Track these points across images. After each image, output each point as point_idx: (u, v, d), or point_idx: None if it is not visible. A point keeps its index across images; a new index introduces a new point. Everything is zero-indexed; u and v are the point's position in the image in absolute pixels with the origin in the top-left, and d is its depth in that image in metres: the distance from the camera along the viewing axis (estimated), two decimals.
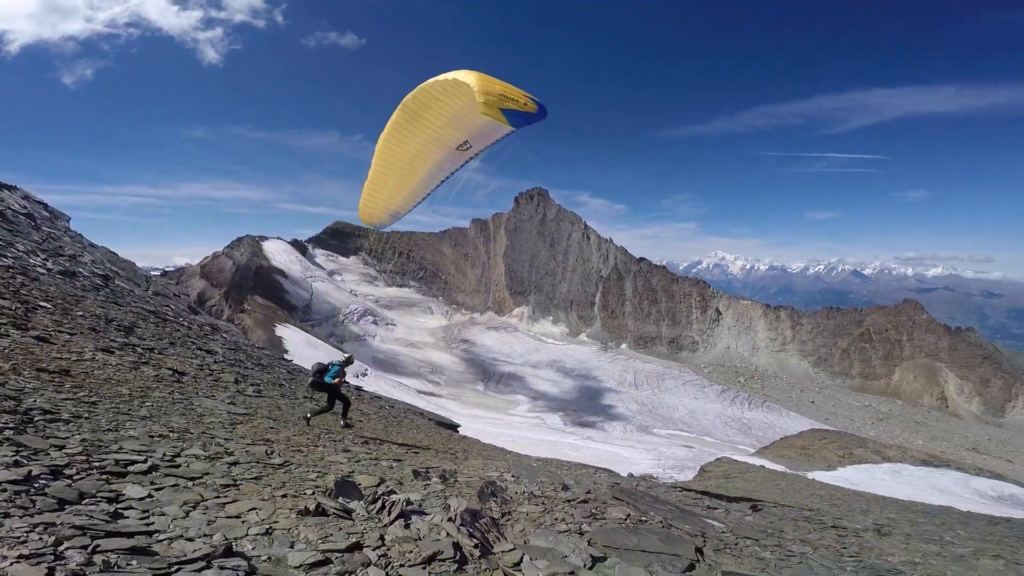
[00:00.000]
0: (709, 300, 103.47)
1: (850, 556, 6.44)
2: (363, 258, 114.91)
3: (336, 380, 9.61)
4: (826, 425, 62.08)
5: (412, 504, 4.54)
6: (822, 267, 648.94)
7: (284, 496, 4.47)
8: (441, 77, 7.44)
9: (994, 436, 72.84)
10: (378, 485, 5.42)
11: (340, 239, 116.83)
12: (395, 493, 4.73)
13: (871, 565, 5.99)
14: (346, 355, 10.46)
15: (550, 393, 71.12)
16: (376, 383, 48.70)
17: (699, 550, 5.13)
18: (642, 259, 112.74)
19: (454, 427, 18.97)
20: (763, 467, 24.80)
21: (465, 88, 7.08)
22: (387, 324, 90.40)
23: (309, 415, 9.42)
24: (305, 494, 4.64)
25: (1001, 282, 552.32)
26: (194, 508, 3.76)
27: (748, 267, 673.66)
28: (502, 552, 3.96)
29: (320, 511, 3.98)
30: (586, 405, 67.48)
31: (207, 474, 4.61)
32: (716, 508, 8.95)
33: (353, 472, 6.21)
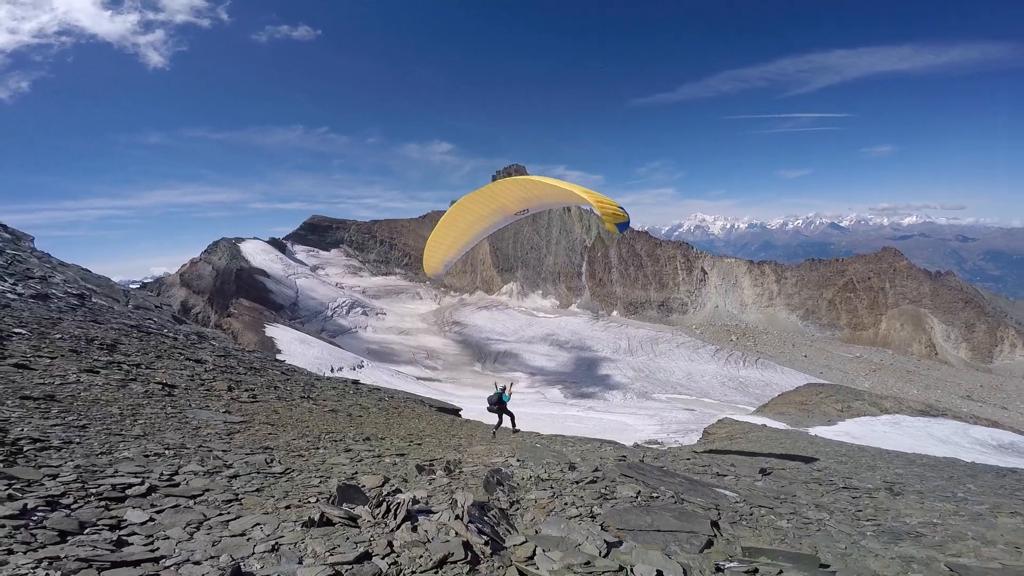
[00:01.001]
0: (693, 261, 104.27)
1: (867, 520, 6.44)
2: (344, 250, 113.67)
3: (508, 400, 13.30)
4: (821, 379, 63.42)
5: (418, 503, 4.48)
6: (800, 222, 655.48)
7: (287, 507, 4.38)
8: (545, 181, 8.98)
9: (986, 383, 74.94)
10: (382, 485, 5.34)
11: (319, 233, 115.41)
12: (400, 492, 4.65)
13: (890, 528, 5.98)
14: (508, 383, 14.00)
15: (547, 367, 71.69)
16: (374, 374, 48.65)
17: (715, 524, 5.06)
18: None
19: (455, 412, 18.95)
20: (765, 426, 25.18)
21: (579, 199, 8.64)
22: (377, 314, 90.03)
23: (495, 430, 13.46)
24: (309, 502, 4.55)
25: (974, 227, 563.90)
26: (197, 528, 3.68)
27: (728, 226, 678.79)
28: (514, 546, 3.90)
29: (325, 521, 3.91)
30: (584, 376, 68.19)
31: (207, 490, 4.51)
32: (726, 475, 8.94)
33: (356, 473, 6.12)
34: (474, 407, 36.82)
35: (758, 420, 29.17)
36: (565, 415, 33.93)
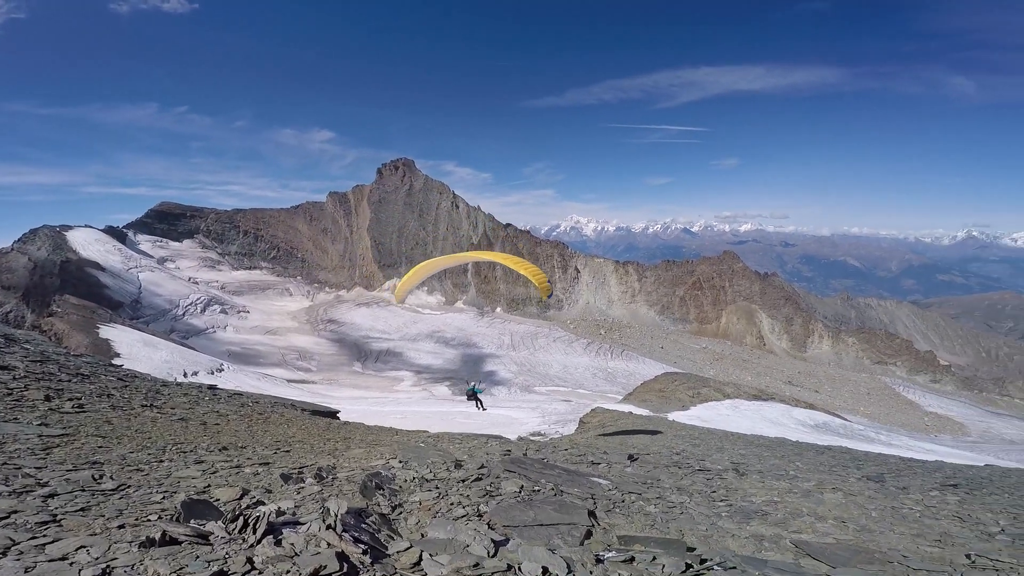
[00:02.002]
0: (568, 260, 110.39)
1: (721, 500, 6.98)
2: (200, 241, 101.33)
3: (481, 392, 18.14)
4: (675, 368, 70.65)
5: (283, 514, 3.98)
6: (659, 226, 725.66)
7: (121, 527, 3.74)
8: (499, 256, 13.43)
9: (802, 369, 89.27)
10: (240, 498, 4.74)
11: (168, 222, 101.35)
12: (262, 504, 4.12)
13: (740, 508, 6.56)
14: (477, 380, 21.64)
15: (433, 365, 70.69)
16: (236, 378, 43.85)
17: (592, 514, 5.21)
18: (508, 225, 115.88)
19: (333, 414, 17.73)
20: (631, 412, 27.24)
21: (522, 271, 11.86)
22: (239, 312, 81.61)
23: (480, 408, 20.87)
24: (149, 520, 3.94)
25: (794, 234, 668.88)
26: (3, 555, 3.04)
27: (599, 228, 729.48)
28: (398, 553, 3.62)
29: (168, 539, 3.31)
30: (470, 372, 68.48)
31: (15, 512, 3.74)
32: (599, 463, 9.36)
33: (209, 487, 5.41)
34: (354, 408, 34.88)
35: (625, 408, 31.53)
36: (454, 412, 33.60)
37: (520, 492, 5.73)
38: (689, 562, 3.96)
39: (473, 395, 19.21)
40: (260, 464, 7.05)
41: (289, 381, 54.81)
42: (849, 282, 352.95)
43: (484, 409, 20.79)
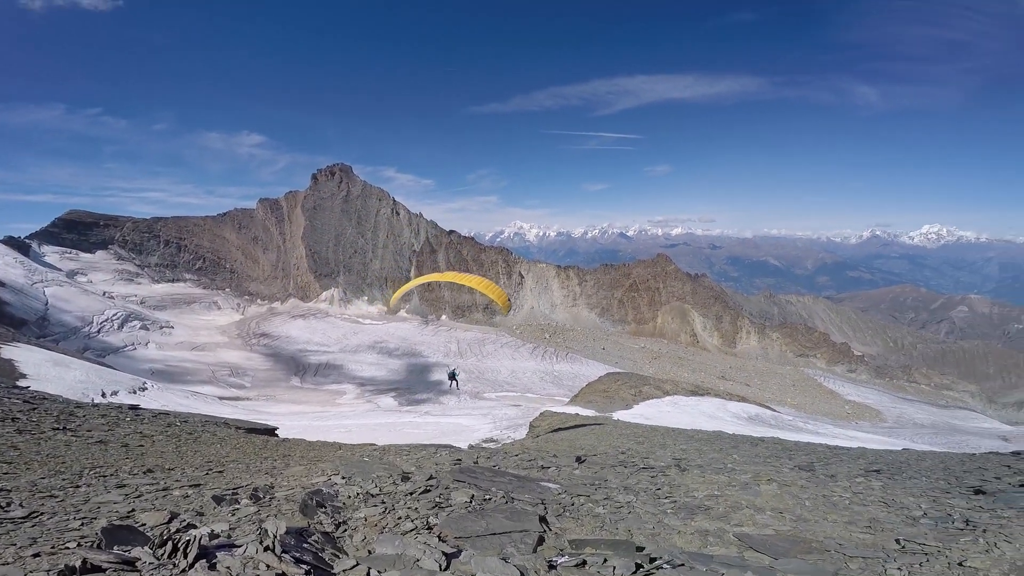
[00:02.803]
0: (513, 266, 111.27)
1: (665, 498, 7.17)
2: (115, 252, 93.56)
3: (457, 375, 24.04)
4: (617, 368, 72.56)
5: (217, 537, 3.73)
6: (597, 231, 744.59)
7: (37, 555, 3.45)
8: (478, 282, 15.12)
9: (733, 364, 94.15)
10: (168, 522, 4.42)
11: (79, 231, 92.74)
12: (193, 528, 3.83)
13: (684, 504, 6.77)
14: (455, 367, 25.81)
15: (377, 376, 68.63)
16: (161, 397, 40.60)
17: (543, 519, 5.24)
18: (452, 231, 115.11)
19: (270, 431, 16.83)
20: (578, 414, 27.76)
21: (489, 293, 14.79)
22: (162, 328, 75.89)
23: (455, 388, 30.51)
24: (67, 548, 3.63)
25: (721, 236, 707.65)
26: None
27: (541, 234, 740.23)
28: (344, 571, 3.46)
29: (90, 568, 3.01)
30: (416, 382, 67.02)
31: None
32: (549, 467, 9.43)
33: (134, 511, 5.04)
34: (294, 424, 33.18)
35: (572, 409, 32.08)
36: (402, 422, 32.77)
37: (471, 502, 5.67)
38: (639, 562, 4.02)
39: (452, 377, 22.94)
40: (190, 486, 6.64)
41: (221, 399, 51.49)
42: (771, 280, 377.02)
43: (460, 389, 22.20)
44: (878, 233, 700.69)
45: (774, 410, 41.89)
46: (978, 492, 7.70)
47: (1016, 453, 13.05)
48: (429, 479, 6.64)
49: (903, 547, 5.15)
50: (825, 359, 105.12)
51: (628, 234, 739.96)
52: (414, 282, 17.74)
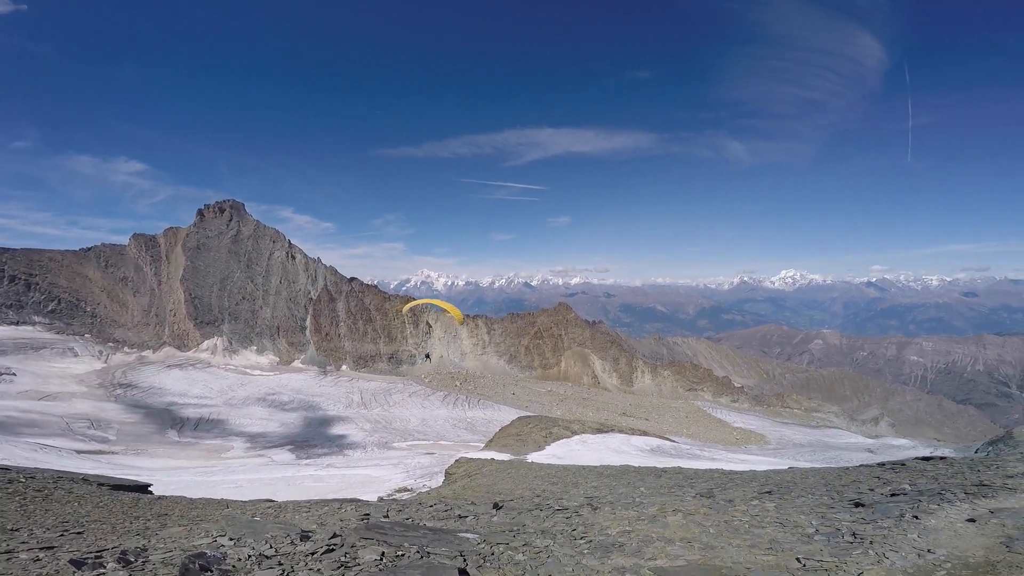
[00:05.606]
0: (420, 315, 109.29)
1: (581, 538, 7.20)
2: None
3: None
4: (527, 411, 73.25)
5: None
6: (504, 280, 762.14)
7: None
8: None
9: (632, 401, 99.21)
10: None
11: None
12: None
13: (599, 543, 6.85)
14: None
15: (269, 431, 62.36)
16: (2, 450, 33.64)
17: (463, 572, 5.12)
18: (353, 279, 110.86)
19: (142, 488, 14.44)
20: (493, 459, 27.55)
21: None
22: (3, 375, 63.96)
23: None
24: None
25: (614, 286, 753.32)
26: None
27: (450, 283, 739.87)
28: None
29: None
30: (315, 434, 61.93)
31: None
32: (466, 516, 9.21)
33: None
34: (173, 480, 28.99)
35: (488, 454, 31.82)
36: (302, 476, 29.89)
37: (381, 559, 5.31)
38: None
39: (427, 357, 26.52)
40: (41, 549, 5.88)
41: (80, 452, 43.76)
42: (659, 325, 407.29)
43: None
44: (746, 279, 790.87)
45: (673, 440, 44.59)
46: (858, 505, 8.26)
47: (882, 464, 14.70)
48: (332, 537, 6.14)
49: (804, 565, 5.38)
50: (711, 392, 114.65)
51: (532, 284, 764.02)
52: (426, 301, 18.76)
